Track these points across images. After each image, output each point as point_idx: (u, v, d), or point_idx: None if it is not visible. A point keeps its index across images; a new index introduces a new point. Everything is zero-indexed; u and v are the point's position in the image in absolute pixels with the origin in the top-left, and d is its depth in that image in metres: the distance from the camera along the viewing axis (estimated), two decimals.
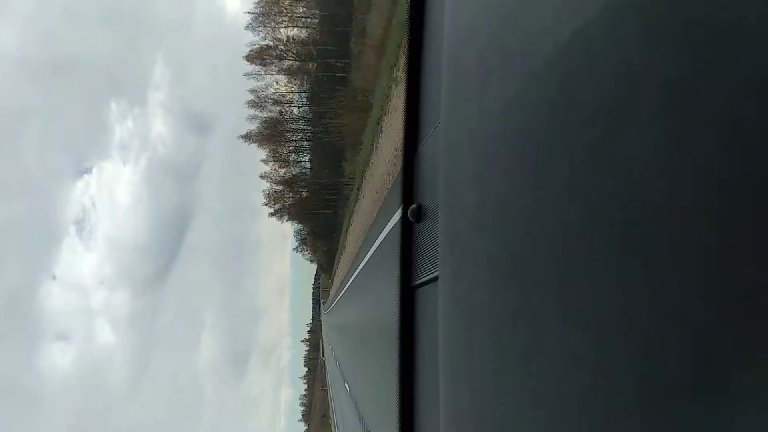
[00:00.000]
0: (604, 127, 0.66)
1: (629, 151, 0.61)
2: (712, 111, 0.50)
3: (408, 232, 1.91)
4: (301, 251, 73.64)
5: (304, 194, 52.96)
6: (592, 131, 0.68)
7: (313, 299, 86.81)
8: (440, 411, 1.29)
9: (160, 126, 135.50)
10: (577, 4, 0.73)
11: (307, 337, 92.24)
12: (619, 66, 0.63)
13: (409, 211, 1.79)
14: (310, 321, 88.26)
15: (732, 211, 0.47)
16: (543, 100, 0.82)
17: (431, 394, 1.45)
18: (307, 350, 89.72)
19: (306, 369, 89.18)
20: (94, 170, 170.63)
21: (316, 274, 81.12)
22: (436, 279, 1.45)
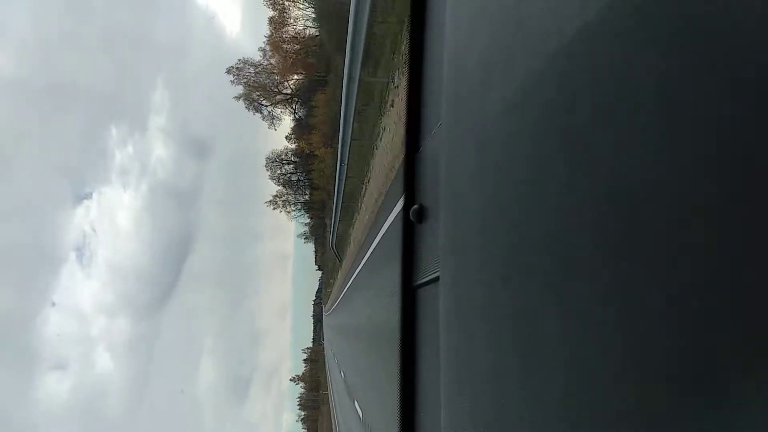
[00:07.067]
0: (604, 128, 0.66)
1: (629, 151, 0.61)
2: (713, 111, 0.50)
3: (409, 232, 1.92)
4: (293, 213, 50.73)
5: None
6: (593, 131, 0.68)
7: (313, 317, 73.58)
8: (441, 411, 1.29)
9: (159, 150, 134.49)
10: (578, 4, 0.73)
11: (301, 372, 70.78)
12: (619, 66, 0.63)
13: (410, 211, 1.79)
14: (309, 346, 72.51)
15: (733, 211, 0.47)
16: (543, 101, 0.82)
17: (432, 395, 1.45)
18: (303, 390, 68.47)
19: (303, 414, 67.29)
20: (94, 195, 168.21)
21: (318, 290, 68.67)
22: (437, 279, 1.45)
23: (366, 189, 17.33)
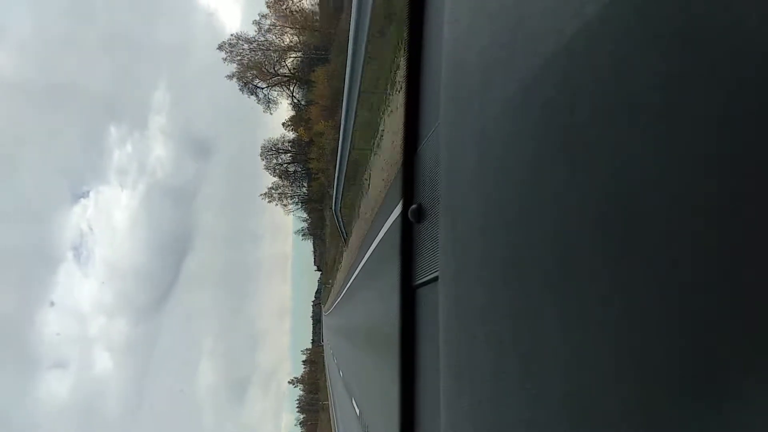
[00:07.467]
0: (604, 127, 0.66)
1: (629, 151, 0.61)
2: (713, 111, 0.50)
3: (408, 232, 1.92)
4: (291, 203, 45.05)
5: None
6: (592, 131, 0.68)
7: (312, 318, 72.16)
8: (441, 412, 1.29)
9: (159, 150, 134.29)
10: (578, 3, 0.73)
11: (300, 374, 68.92)
12: (619, 66, 0.63)
13: (409, 211, 1.79)
14: (308, 347, 70.80)
15: (733, 211, 0.47)
16: (543, 100, 0.81)
17: (432, 395, 1.45)
18: (302, 392, 67.00)
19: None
20: (92, 194, 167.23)
21: (317, 290, 67.28)
22: (436, 279, 1.45)
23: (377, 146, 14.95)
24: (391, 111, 12.56)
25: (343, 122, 14.53)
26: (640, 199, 0.59)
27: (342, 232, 25.17)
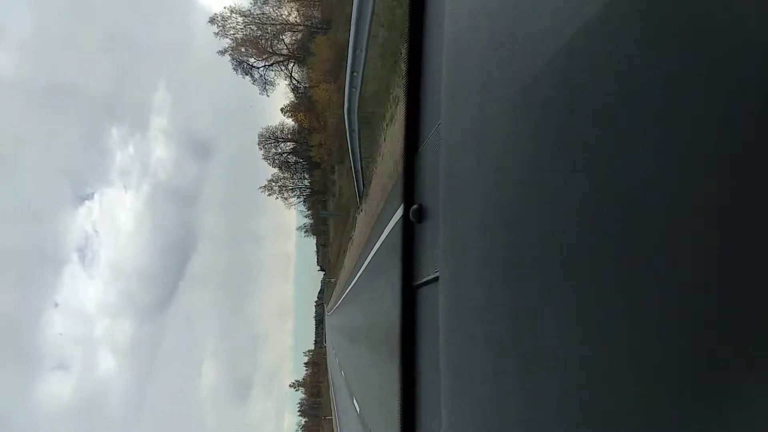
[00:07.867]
0: (604, 127, 0.66)
1: (629, 151, 0.61)
2: (713, 111, 0.49)
3: (409, 232, 1.91)
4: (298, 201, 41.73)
5: None
6: (592, 131, 0.68)
7: (315, 318, 70.72)
8: (442, 411, 1.29)
9: (161, 151, 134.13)
10: (578, 3, 0.72)
11: (302, 377, 68.29)
12: (619, 66, 0.63)
13: (410, 211, 1.79)
14: (311, 348, 69.39)
15: (733, 211, 0.47)
16: (543, 100, 0.81)
17: (433, 395, 1.45)
18: (304, 396, 66.57)
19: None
20: (96, 196, 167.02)
21: (320, 291, 65.52)
22: (437, 279, 1.45)
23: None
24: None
25: None
26: (640, 199, 0.59)
27: (357, 176, 16.90)
